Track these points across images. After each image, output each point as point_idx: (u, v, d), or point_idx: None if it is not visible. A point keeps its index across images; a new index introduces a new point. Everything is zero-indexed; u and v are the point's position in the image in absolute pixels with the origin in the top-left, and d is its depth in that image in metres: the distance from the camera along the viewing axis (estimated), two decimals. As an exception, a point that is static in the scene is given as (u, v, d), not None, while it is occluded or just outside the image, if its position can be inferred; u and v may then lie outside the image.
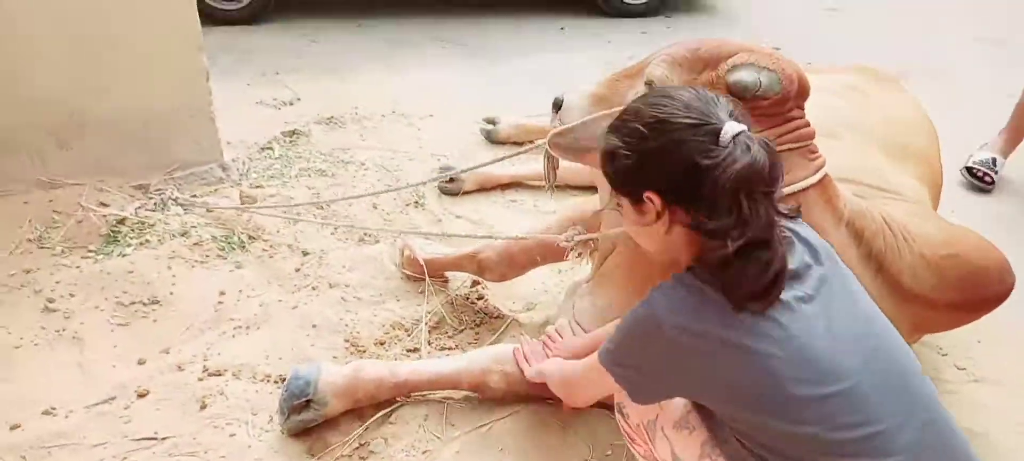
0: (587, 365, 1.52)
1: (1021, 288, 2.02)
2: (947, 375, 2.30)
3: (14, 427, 1.90)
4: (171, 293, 2.38)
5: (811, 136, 1.83)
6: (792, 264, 1.25)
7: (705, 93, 1.29)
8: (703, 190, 1.20)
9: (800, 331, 1.20)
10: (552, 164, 2.11)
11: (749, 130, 1.24)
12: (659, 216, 1.28)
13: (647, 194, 1.27)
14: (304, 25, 5.59)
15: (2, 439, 1.87)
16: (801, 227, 1.37)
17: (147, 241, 2.57)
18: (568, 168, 3.33)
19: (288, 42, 5.25)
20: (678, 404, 1.40)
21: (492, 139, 3.77)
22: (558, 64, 5.07)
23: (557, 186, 3.37)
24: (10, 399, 1.97)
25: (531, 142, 3.86)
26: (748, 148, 1.19)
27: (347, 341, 2.29)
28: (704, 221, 1.21)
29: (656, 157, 1.25)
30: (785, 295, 1.22)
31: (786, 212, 1.31)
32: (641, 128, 1.26)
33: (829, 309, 1.25)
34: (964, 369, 2.32)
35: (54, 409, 1.97)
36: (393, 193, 3.16)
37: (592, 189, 2.88)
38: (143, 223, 2.64)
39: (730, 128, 1.20)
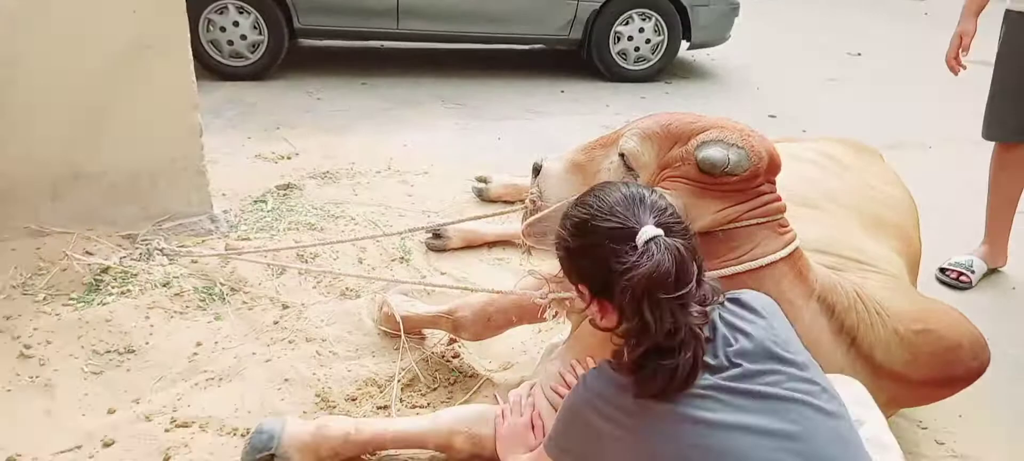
0: (538, 456, 1.58)
1: (1003, 363, 2.00)
2: (926, 449, 2.26)
3: (-24, 474, 1.91)
4: (147, 343, 2.40)
5: (781, 210, 1.85)
6: (710, 358, 1.28)
7: (637, 192, 1.36)
8: (614, 293, 1.27)
9: (703, 421, 1.23)
10: (527, 246, 2.18)
11: (671, 232, 1.29)
12: (588, 305, 1.37)
13: (578, 286, 1.38)
14: (309, 82, 5.72)
15: (-37, 486, 1.87)
16: (734, 312, 1.38)
17: (128, 291, 2.59)
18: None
19: (292, 98, 5.37)
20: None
21: (483, 197, 3.81)
22: (556, 126, 5.15)
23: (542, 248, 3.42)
24: (-25, 445, 1.98)
25: (521, 202, 3.91)
26: (653, 254, 1.24)
27: (318, 396, 2.28)
28: (619, 321, 1.30)
29: (579, 256, 1.37)
30: (699, 385, 1.25)
31: (707, 303, 1.31)
32: (570, 227, 1.38)
33: (745, 403, 1.25)
34: (943, 444, 2.28)
35: (19, 456, 1.96)
36: (380, 248, 3.19)
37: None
38: (126, 273, 2.67)
39: (645, 233, 1.27)
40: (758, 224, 1.82)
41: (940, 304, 2.15)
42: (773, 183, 1.86)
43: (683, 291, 1.24)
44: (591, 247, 1.32)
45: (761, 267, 1.79)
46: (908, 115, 5.92)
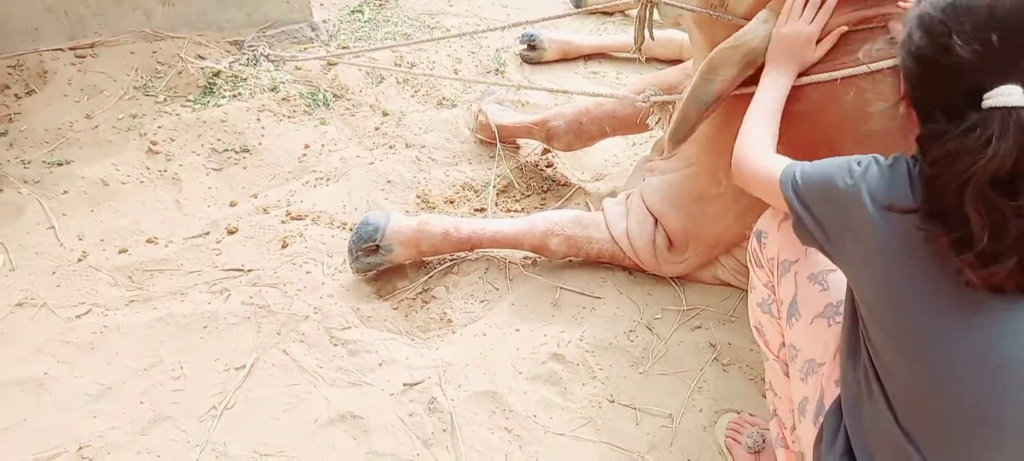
0: (768, 171, 1.30)
1: None
2: None
3: (122, 251, 2.13)
4: (260, 143, 2.54)
5: None
6: None
7: None
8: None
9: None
10: (646, 21, 1.96)
11: None
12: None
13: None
14: None
15: (112, 260, 2.10)
16: None
17: (240, 94, 2.72)
18: (659, 38, 3.24)
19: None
20: (824, 258, 1.26)
21: (580, 7, 3.69)
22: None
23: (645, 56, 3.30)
24: (118, 228, 2.20)
25: (620, 11, 3.77)
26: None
27: (418, 197, 2.40)
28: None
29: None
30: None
31: None
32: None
33: None
34: None
35: (156, 239, 2.18)
36: (476, 61, 3.19)
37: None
38: (236, 77, 2.79)
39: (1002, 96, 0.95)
40: None
41: None
42: None
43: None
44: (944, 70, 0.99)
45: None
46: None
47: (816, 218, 1.18)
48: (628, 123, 2.36)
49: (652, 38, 1.99)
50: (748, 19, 1.66)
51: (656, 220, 2.03)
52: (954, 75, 0.98)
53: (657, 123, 2.20)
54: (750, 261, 1.49)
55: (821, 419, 1.25)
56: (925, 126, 1.04)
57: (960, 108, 0.96)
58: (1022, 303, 0.97)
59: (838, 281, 1.31)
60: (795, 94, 1.55)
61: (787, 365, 1.39)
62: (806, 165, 1.23)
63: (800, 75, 1.57)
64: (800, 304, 1.34)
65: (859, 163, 1.12)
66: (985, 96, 0.93)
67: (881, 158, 1.11)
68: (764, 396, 1.58)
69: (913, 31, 1.03)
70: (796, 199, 1.21)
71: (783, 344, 1.40)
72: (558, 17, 2.57)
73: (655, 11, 1.94)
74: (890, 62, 1.47)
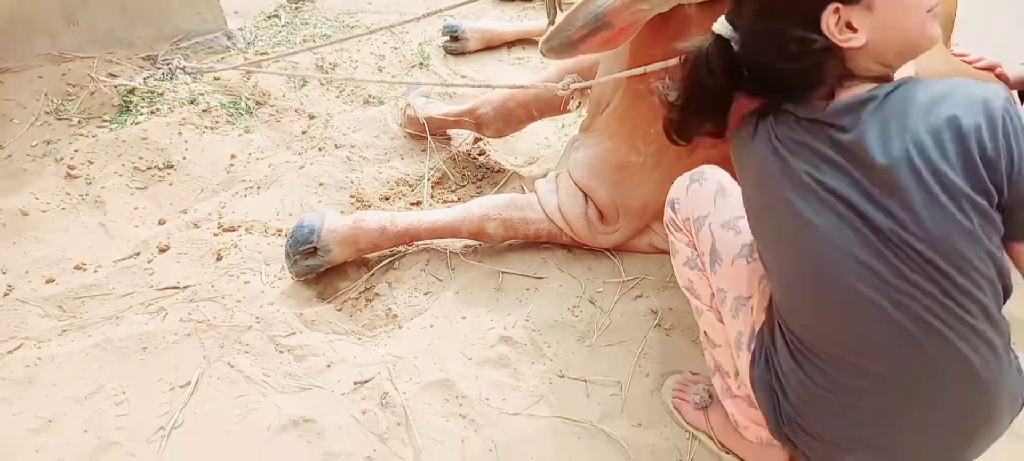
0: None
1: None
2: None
3: (49, 281, 2.06)
4: (184, 158, 2.48)
5: None
6: None
7: None
8: None
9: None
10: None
11: None
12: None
13: None
14: None
15: (40, 291, 2.02)
16: None
17: (158, 109, 2.65)
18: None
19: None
20: (731, 207, 1.44)
21: (498, -4, 3.72)
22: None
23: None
24: (42, 257, 2.12)
25: (538, -1, 3.81)
26: None
27: (353, 197, 2.39)
28: None
29: None
30: None
31: None
32: None
33: None
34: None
35: (84, 264, 2.11)
36: (399, 56, 3.18)
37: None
38: (153, 92, 2.71)
39: None
40: None
41: (972, 68, 2.11)
42: None
43: None
44: None
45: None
46: None
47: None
48: (555, 105, 2.40)
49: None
50: None
51: (585, 194, 2.07)
52: None
53: (578, 107, 2.26)
54: (668, 229, 1.57)
55: (754, 343, 1.33)
56: None
57: None
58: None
59: (747, 226, 1.41)
60: None
61: (719, 312, 1.46)
62: None
63: None
64: (719, 250, 1.43)
65: None
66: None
67: None
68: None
69: None
70: None
71: (712, 294, 1.47)
72: (474, 1, 2.58)
73: None
74: None
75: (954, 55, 2.06)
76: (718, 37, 1.25)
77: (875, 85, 1.15)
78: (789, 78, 1.19)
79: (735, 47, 1.24)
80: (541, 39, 1.79)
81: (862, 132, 1.11)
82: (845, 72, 1.16)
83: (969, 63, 1.89)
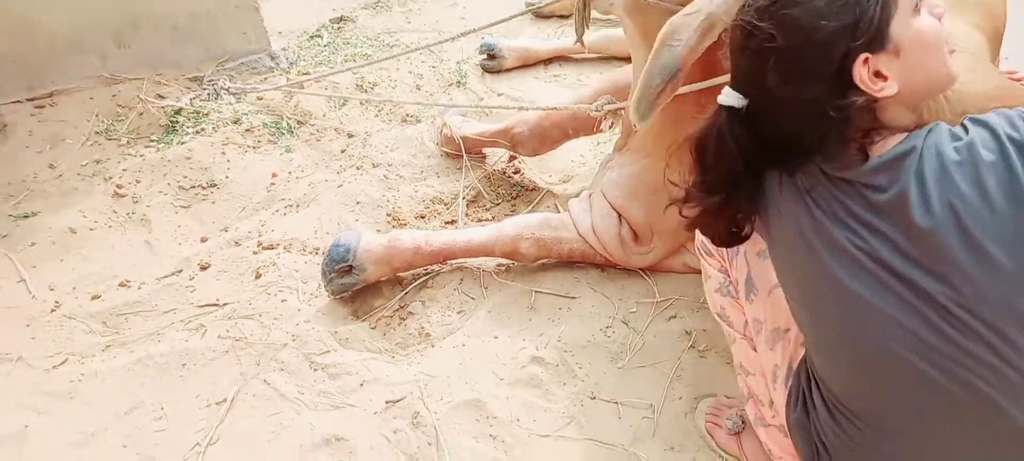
0: None
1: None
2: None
3: (95, 297, 2.12)
4: (227, 177, 2.54)
5: None
6: None
7: None
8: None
9: None
10: (584, 12, 2.04)
11: None
12: None
13: None
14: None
15: (86, 307, 2.09)
16: None
17: (203, 129, 2.72)
18: (611, 36, 3.29)
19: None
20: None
21: (538, 15, 3.73)
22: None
23: (600, 57, 3.33)
24: (89, 274, 2.19)
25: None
26: None
27: (389, 215, 2.41)
28: None
29: None
30: None
31: None
32: None
33: None
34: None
35: (128, 282, 2.18)
36: (436, 75, 3.21)
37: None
38: (198, 112, 2.79)
39: None
40: None
41: (1021, 86, 2.04)
42: None
43: None
44: None
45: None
46: None
47: None
48: (590, 125, 2.39)
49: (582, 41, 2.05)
50: (682, 5, 1.68)
51: (619, 214, 2.06)
52: None
53: (611, 128, 2.25)
54: (700, 252, 1.54)
55: (791, 381, 1.29)
56: None
57: None
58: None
59: None
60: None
61: (753, 341, 1.42)
62: None
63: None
64: (755, 280, 1.39)
65: None
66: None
67: None
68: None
69: None
70: None
71: (746, 322, 1.44)
72: (510, 19, 2.59)
73: (590, 2, 1.99)
74: None
75: (1004, 72, 1.99)
76: (730, 109, 1.16)
77: (907, 135, 1.09)
78: (821, 141, 1.10)
79: (747, 115, 1.15)
80: (631, 109, 1.76)
81: (901, 191, 1.04)
82: (876, 124, 1.09)
83: (1018, 80, 1.82)
